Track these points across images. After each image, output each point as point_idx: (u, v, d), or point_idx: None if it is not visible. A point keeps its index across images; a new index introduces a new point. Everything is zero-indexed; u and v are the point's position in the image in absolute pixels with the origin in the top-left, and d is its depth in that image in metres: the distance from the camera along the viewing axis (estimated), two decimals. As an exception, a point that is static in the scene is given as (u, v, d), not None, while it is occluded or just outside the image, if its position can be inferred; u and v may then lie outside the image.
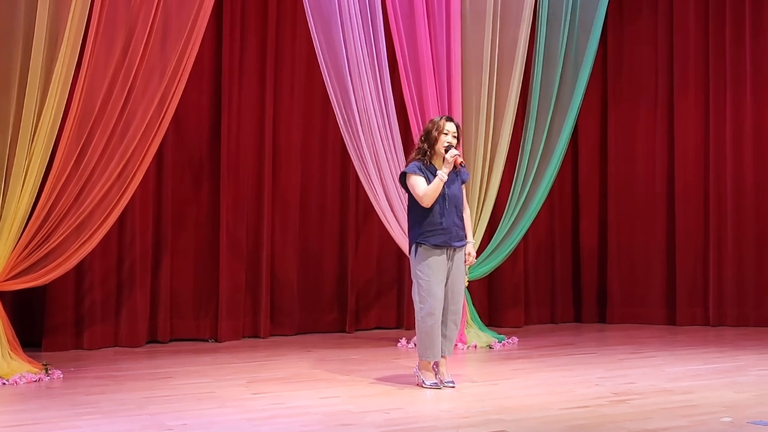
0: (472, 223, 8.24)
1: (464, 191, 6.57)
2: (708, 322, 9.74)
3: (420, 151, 6.39)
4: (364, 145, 8.02)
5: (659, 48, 10.07)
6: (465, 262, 6.47)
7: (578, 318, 10.21)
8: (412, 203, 6.38)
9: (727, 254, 9.74)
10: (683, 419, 5.40)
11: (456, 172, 6.41)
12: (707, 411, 5.62)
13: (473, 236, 6.78)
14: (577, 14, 8.90)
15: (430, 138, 6.36)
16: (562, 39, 8.84)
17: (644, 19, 10.14)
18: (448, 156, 6.24)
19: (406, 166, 6.48)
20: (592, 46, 8.84)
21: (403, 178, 6.41)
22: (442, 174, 6.23)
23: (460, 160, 6.31)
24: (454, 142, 6.34)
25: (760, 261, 9.69)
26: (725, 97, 9.82)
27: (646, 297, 10.01)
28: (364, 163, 8.06)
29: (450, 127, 6.36)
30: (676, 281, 9.87)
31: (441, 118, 6.45)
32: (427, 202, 6.25)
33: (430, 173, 6.30)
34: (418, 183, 6.29)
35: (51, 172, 6.77)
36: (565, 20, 8.83)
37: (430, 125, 6.41)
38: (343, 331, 9.16)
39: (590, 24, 8.86)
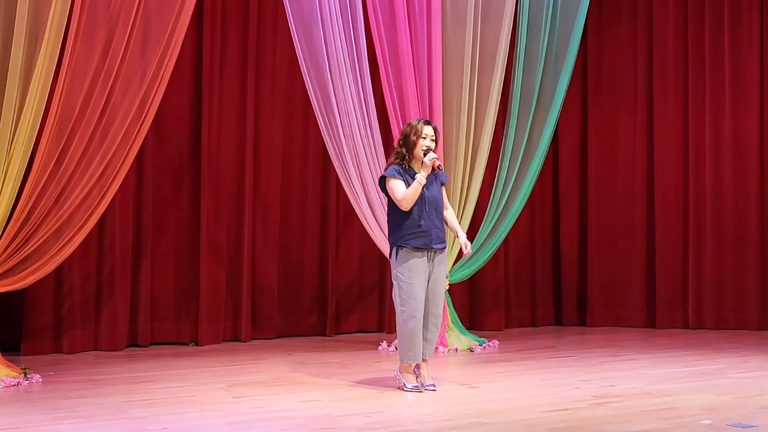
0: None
1: (445, 193, 6.58)
2: (687, 325, 9.79)
3: (399, 156, 6.41)
4: (345, 148, 8.01)
5: (639, 52, 10.11)
6: (463, 253, 6.45)
7: (559, 321, 10.23)
8: (392, 207, 6.40)
9: (707, 257, 9.79)
10: (663, 422, 5.43)
11: (435, 175, 6.43)
12: (687, 414, 5.64)
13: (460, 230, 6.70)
14: (558, 17, 8.92)
15: (408, 142, 6.38)
16: (543, 42, 8.85)
17: (624, 23, 10.18)
18: (426, 159, 6.27)
19: (385, 170, 6.49)
20: (572, 49, 8.86)
21: (382, 182, 6.43)
22: (421, 177, 6.25)
23: (438, 163, 6.32)
24: (433, 145, 6.36)
25: (739, 264, 9.74)
26: (704, 102, 9.88)
27: (626, 300, 10.04)
28: (344, 165, 8.06)
29: (428, 130, 6.38)
30: (655, 284, 9.91)
31: (419, 121, 6.47)
32: (406, 206, 6.27)
33: (409, 176, 6.33)
34: (397, 186, 6.31)
35: (30, 174, 6.74)
36: (546, 23, 8.85)
37: (408, 129, 6.43)
38: (323, 334, 9.15)
39: (570, 26, 8.88)
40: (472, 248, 8.65)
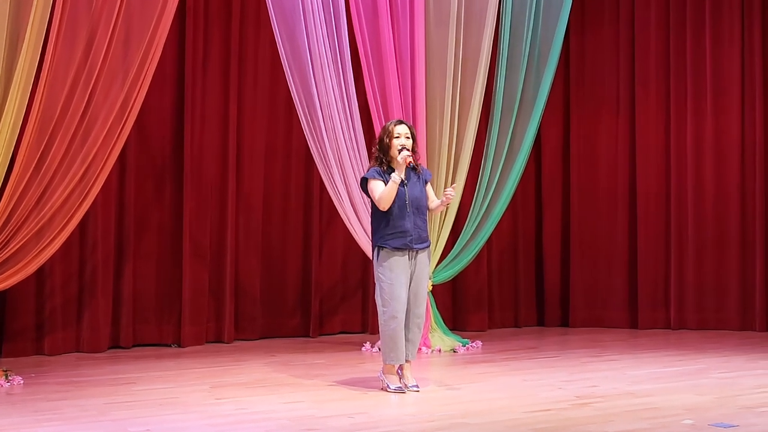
0: (437, 227, 8.29)
1: (431, 188, 6.60)
2: (669, 325, 9.82)
3: (377, 160, 6.45)
4: (328, 148, 8.01)
5: (621, 54, 10.14)
6: (448, 191, 6.35)
7: (541, 322, 10.25)
8: (374, 207, 6.42)
9: (688, 258, 9.83)
10: (645, 422, 5.45)
11: (417, 174, 6.45)
12: (669, 414, 5.67)
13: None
14: (540, 19, 8.93)
15: (383, 145, 6.43)
16: (526, 44, 8.87)
17: (606, 25, 10.21)
18: (399, 158, 6.29)
19: (366, 172, 6.51)
20: (555, 51, 8.88)
21: (364, 184, 6.45)
22: (396, 176, 6.28)
23: (409, 159, 6.34)
24: (409, 143, 6.38)
25: (720, 265, 9.78)
26: (685, 103, 9.92)
27: (609, 300, 10.07)
28: (327, 166, 8.05)
29: (400, 129, 6.41)
30: (637, 285, 9.94)
31: (391, 123, 6.54)
32: (384, 205, 6.29)
33: (389, 177, 6.34)
34: (376, 187, 6.33)
35: (11, 175, 6.69)
36: (528, 25, 8.87)
37: (382, 132, 6.51)
38: (307, 335, 9.13)
39: (553, 29, 8.89)
40: (454, 249, 8.71)
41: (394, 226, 6.31)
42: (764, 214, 9.69)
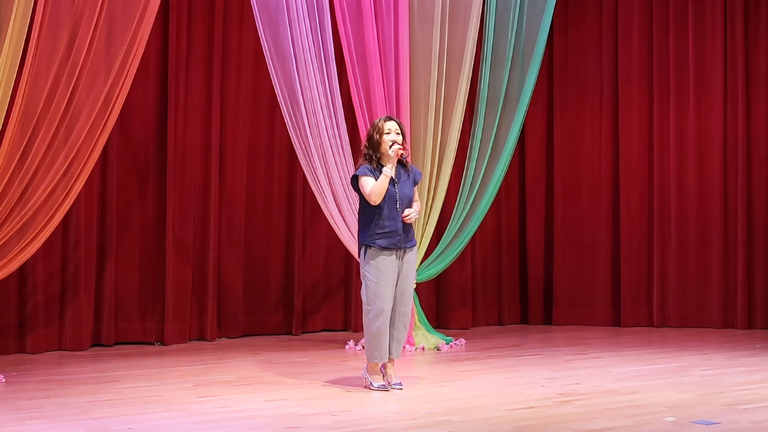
0: (422, 224, 8.28)
1: (416, 192, 6.58)
2: (652, 323, 9.86)
3: (367, 157, 6.42)
4: (312, 146, 8.00)
5: (604, 51, 10.17)
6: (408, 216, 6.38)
7: (525, 319, 10.27)
8: (363, 205, 6.40)
9: (671, 256, 9.87)
10: (627, 419, 5.47)
11: (408, 172, 6.44)
12: (651, 411, 5.69)
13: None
14: (525, 15, 8.93)
15: (373, 142, 6.40)
16: (510, 40, 8.87)
17: (589, 22, 10.24)
18: (390, 152, 6.28)
19: (356, 169, 6.49)
20: (539, 47, 8.88)
21: (354, 181, 6.42)
22: (387, 170, 6.26)
23: (401, 152, 6.33)
24: (399, 139, 6.37)
25: (702, 263, 9.83)
26: (668, 101, 9.96)
27: (592, 298, 10.10)
28: (311, 163, 8.05)
29: (390, 125, 6.39)
30: (620, 283, 9.98)
31: (380, 119, 6.50)
32: (375, 200, 6.27)
33: (380, 173, 6.32)
34: (367, 183, 6.32)
35: (-6, 171, 6.66)
36: (513, 21, 8.86)
37: (371, 129, 6.46)
38: (290, 333, 9.12)
39: (537, 25, 8.89)
40: (439, 247, 8.71)
41: (384, 226, 6.29)
42: (746, 211, 9.75)
